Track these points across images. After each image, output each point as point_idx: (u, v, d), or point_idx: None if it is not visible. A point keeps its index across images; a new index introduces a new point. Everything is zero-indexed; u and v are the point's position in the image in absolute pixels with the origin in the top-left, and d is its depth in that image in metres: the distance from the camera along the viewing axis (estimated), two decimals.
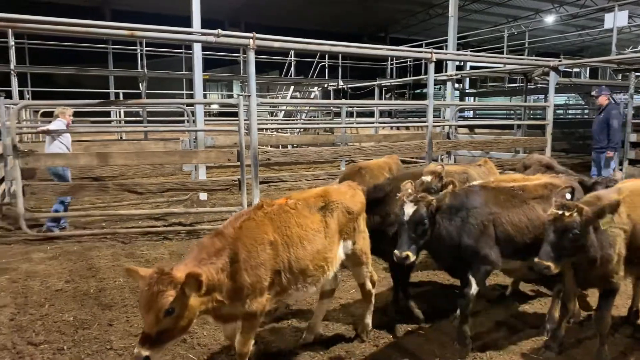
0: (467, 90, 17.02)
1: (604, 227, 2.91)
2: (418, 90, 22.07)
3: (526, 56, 15.99)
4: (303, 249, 2.91)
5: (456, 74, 13.42)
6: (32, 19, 5.41)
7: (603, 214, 2.87)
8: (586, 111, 20.15)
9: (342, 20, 24.22)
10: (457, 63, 14.46)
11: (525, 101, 12.62)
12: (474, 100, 19.76)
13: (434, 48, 14.52)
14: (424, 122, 9.25)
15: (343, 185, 3.51)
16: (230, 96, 29.23)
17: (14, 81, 13.55)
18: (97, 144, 11.89)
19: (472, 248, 3.36)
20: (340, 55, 18.95)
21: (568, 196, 3.19)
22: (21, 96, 14.24)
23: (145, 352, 2.24)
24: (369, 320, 3.61)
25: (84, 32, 5.94)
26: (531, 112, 16.18)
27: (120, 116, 16.73)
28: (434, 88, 8.78)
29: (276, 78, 20.84)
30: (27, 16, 5.34)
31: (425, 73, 17.44)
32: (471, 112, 19.11)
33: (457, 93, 14.95)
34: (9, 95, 12.14)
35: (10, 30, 11.98)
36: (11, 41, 13.81)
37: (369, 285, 3.53)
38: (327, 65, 19.96)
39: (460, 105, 12.72)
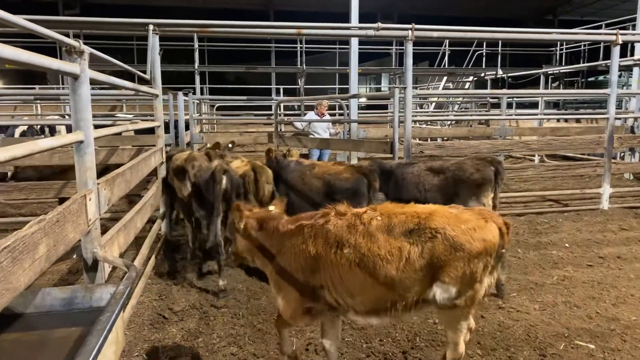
0: None
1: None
2: (591, 78, 19.42)
3: None
4: (353, 275, 2.47)
5: None
6: (219, 24, 6.12)
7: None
8: None
9: (502, 5, 22.44)
10: None
11: None
12: None
13: (618, 29, 12.56)
14: (601, 114, 8.12)
15: (469, 211, 2.61)
16: (378, 89, 29.49)
17: (197, 79, 15.66)
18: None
19: None
20: (500, 42, 17.65)
21: None
22: (201, 92, 16.39)
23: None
24: None
25: (258, 32, 6.59)
26: None
27: (281, 110, 18.14)
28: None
29: (430, 69, 20.24)
30: (215, 21, 6.07)
31: (604, 58, 15.23)
32: None
33: None
34: (193, 92, 14.08)
35: (195, 34, 13.83)
36: (196, 44, 15.93)
37: (461, 349, 2.66)
38: (484, 54, 18.77)
39: None
